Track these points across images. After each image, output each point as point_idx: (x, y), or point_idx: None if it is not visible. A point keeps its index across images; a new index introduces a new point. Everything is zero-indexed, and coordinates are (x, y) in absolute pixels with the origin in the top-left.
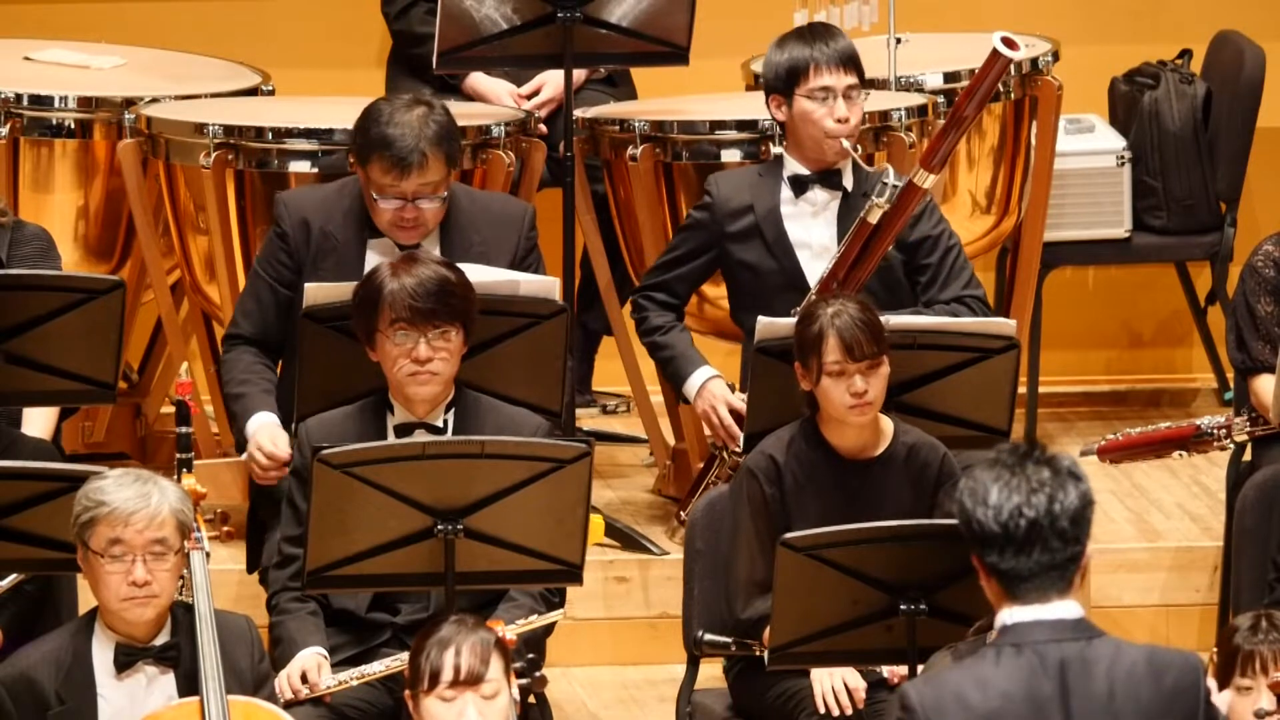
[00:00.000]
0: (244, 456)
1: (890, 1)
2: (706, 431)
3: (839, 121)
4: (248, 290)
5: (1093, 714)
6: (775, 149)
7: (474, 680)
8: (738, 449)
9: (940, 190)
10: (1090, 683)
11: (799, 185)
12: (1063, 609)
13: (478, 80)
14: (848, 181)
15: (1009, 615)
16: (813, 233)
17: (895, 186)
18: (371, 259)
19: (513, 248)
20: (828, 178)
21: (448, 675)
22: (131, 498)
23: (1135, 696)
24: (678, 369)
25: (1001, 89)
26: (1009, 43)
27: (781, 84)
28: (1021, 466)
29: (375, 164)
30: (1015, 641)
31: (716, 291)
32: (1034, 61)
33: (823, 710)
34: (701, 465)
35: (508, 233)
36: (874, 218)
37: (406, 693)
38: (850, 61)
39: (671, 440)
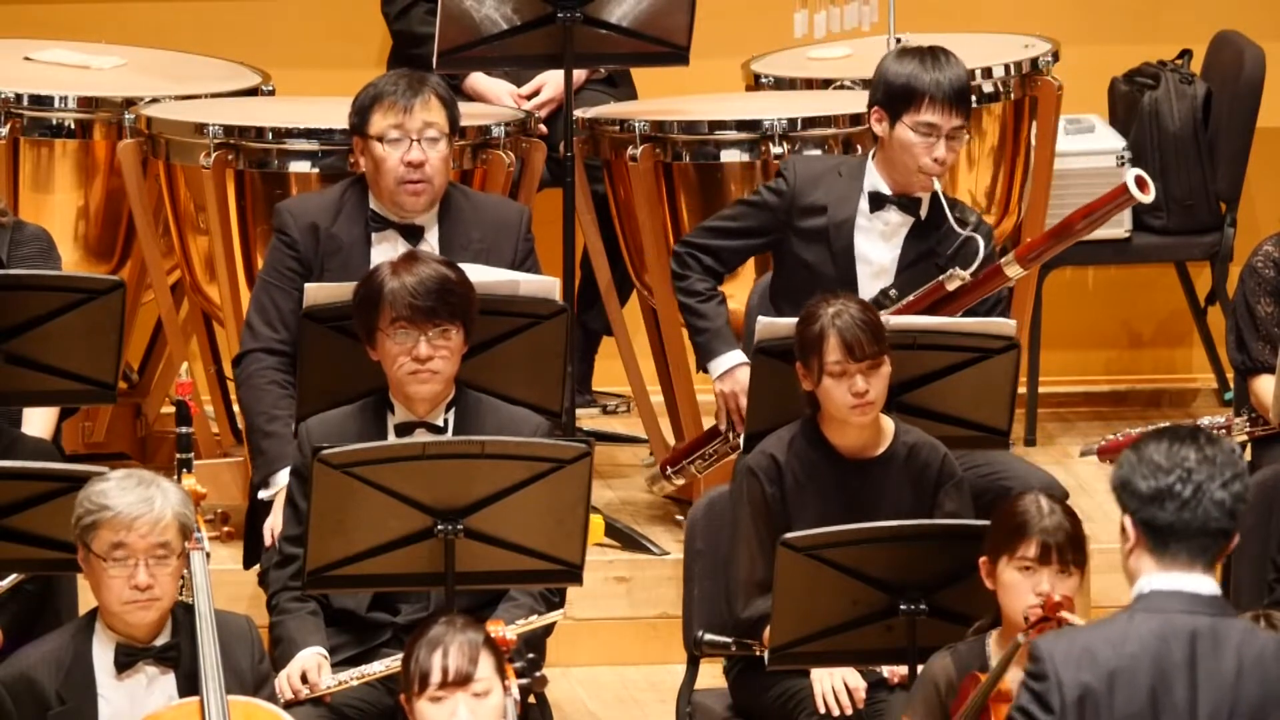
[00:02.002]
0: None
1: (890, 1)
2: (719, 410)
3: (936, 161)
4: (262, 301)
5: (1218, 688)
6: (775, 149)
7: (463, 680)
8: (739, 443)
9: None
10: (1220, 657)
11: (877, 201)
12: (1202, 583)
13: (478, 80)
14: (923, 209)
15: (1148, 582)
16: (878, 251)
17: (981, 265)
18: (377, 256)
19: (511, 252)
20: (906, 203)
21: (436, 677)
22: (135, 502)
23: (1263, 679)
24: (709, 342)
25: (1001, 89)
26: (1141, 184)
27: (889, 103)
28: (1194, 439)
29: (376, 112)
30: (1150, 608)
31: (724, 290)
32: (1034, 61)
33: (823, 710)
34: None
35: (505, 237)
36: (952, 286)
37: (402, 696)
38: (962, 99)
39: (671, 440)
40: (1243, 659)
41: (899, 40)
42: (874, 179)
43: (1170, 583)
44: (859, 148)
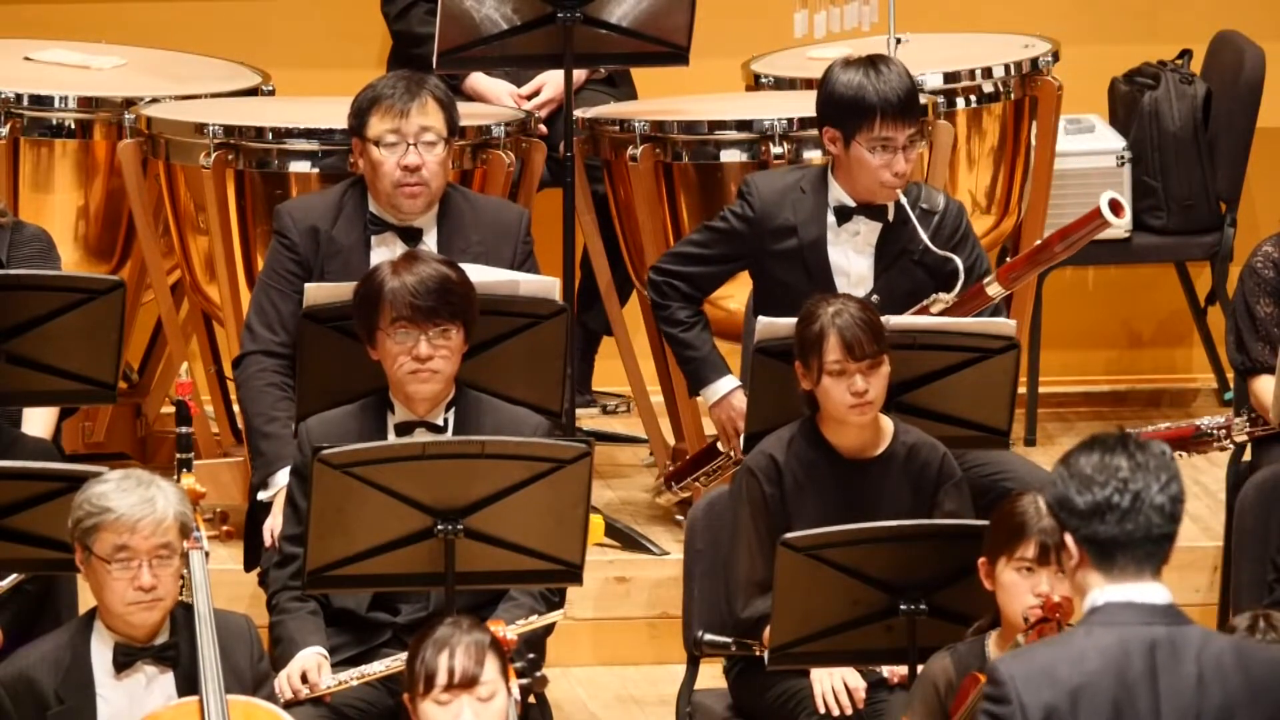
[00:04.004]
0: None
1: (890, 1)
2: (715, 432)
3: (896, 175)
4: (262, 303)
5: (1180, 696)
6: (775, 149)
7: (469, 683)
8: (740, 456)
9: (940, 182)
10: (1180, 666)
11: (843, 214)
12: (1154, 592)
13: (478, 80)
14: (890, 213)
15: (1100, 595)
16: (852, 262)
17: (964, 286)
18: (376, 258)
19: (510, 254)
20: (873, 210)
21: (442, 678)
22: (137, 503)
23: (1223, 684)
24: (699, 370)
25: (1001, 89)
26: (1115, 207)
27: (840, 122)
28: (1123, 447)
29: (374, 115)
30: (1106, 621)
31: (720, 292)
32: (1034, 61)
33: (823, 710)
34: (702, 449)
35: (504, 239)
36: (936, 309)
37: (405, 696)
38: (912, 108)
39: (671, 440)
40: (1203, 666)
41: (899, 40)
42: (837, 193)
43: (1122, 594)
44: (819, 152)
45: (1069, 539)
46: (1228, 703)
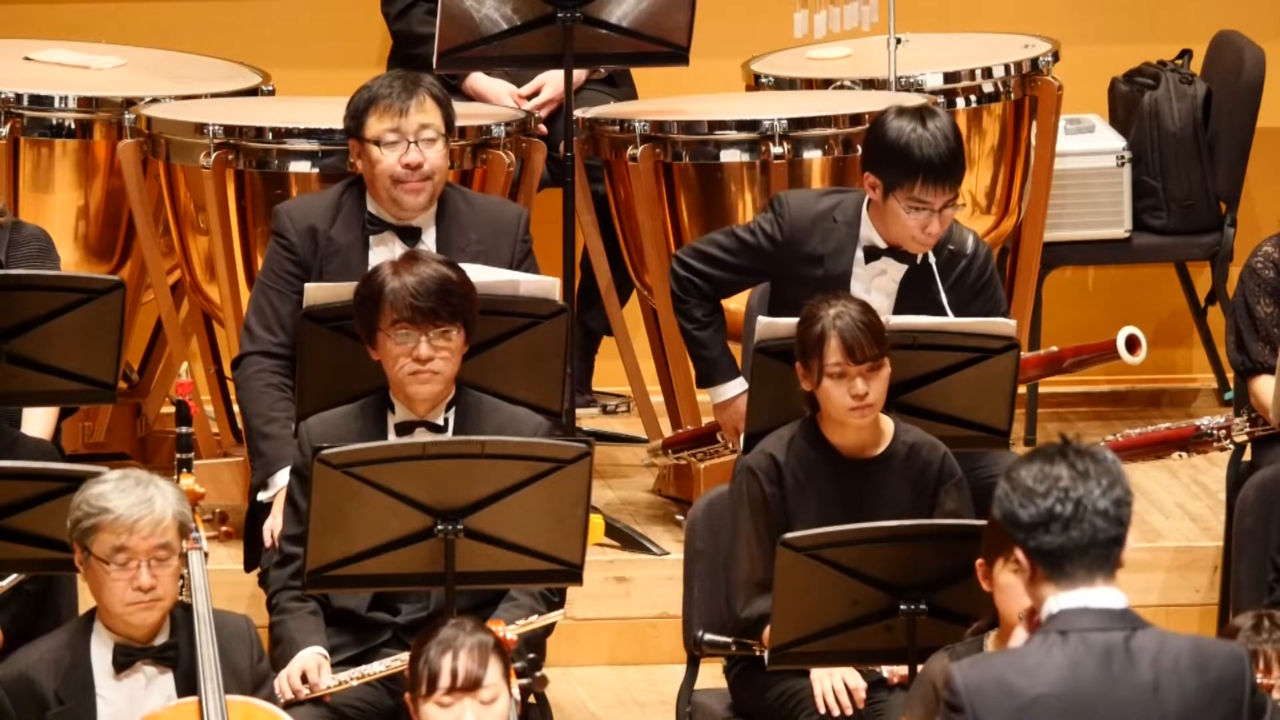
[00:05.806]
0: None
1: (890, 1)
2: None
3: (928, 234)
4: (261, 304)
5: (1137, 703)
6: (775, 149)
7: (472, 685)
8: (739, 451)
9: None
10: (1136, 672)
11: (871, 253)
12: (1108, 597)
13: (478, 80)
14: (918, 258)
15: (1055, 603)
16: (874, 299)
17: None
18: (374, 258)
19: (509, 254)
20: (901, 254)
21: (445, 681)
22: (135, 504)
23: (1180, 687)
24: (708, 370)
25: (1001, 89)
26: (1133, 344)
27: (882, 172)
28: (1063, 455)
29: (372, 115)
30: (1061, 629)
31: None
32: (1034, 61)
33: (823, 710)
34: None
35: (503, 238)
36: None
37: (406, 696)
38: (952, 173)
39: None
40: (1159, 669)
41: (899, 40)
42: (869, 230)
43: (1076, 600)
44: (854, 148)
45: (1019, 553)
46: (1185, 706)
